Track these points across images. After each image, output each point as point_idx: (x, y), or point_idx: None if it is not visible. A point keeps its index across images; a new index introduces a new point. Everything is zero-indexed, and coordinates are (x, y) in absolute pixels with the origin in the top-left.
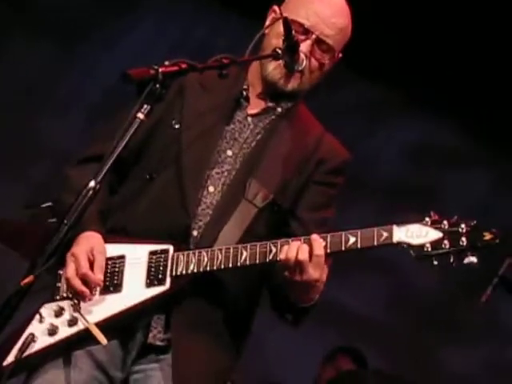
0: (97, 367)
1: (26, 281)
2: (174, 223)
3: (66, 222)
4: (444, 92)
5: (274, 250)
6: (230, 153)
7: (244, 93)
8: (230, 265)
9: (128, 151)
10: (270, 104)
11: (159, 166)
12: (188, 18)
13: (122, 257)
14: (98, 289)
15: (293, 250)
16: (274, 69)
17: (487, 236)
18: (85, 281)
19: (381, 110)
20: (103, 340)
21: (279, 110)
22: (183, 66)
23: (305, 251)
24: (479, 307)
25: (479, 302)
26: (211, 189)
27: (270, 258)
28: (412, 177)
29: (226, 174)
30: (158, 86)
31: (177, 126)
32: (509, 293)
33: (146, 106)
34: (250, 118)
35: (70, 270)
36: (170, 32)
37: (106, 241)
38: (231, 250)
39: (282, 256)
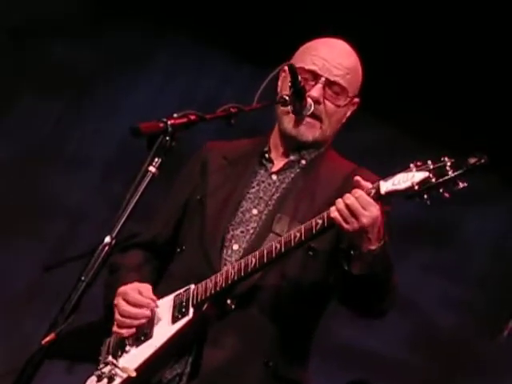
0: None
1: (48, 339)
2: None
3: (83, 278)
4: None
5: (319, 221)
6: (255, 211)
7: (266, 155)
8: (242, 274)
9: (165, 241)
10: (293, 157)
11: (187, 237)
12: (196, 71)
13: (152, 310)
14: (133, 344)
15: (339, 202)
16: (289, 122)
17: (472, 160)
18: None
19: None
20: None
21: (303, 162)
22: (192, 117)
23: (348, 196)
24: (501, 341)
25: (501, 337)
26: (235, 247)
27: (317, 229)
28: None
29: (251, 231)
30: (167, 138)
31: (203, 200)
32: None
33: (156, 159)
34: (274, 176)
35: (120, 305)
36: (179, 85)
37: None
38: (242, 261)
39: (332, 214)
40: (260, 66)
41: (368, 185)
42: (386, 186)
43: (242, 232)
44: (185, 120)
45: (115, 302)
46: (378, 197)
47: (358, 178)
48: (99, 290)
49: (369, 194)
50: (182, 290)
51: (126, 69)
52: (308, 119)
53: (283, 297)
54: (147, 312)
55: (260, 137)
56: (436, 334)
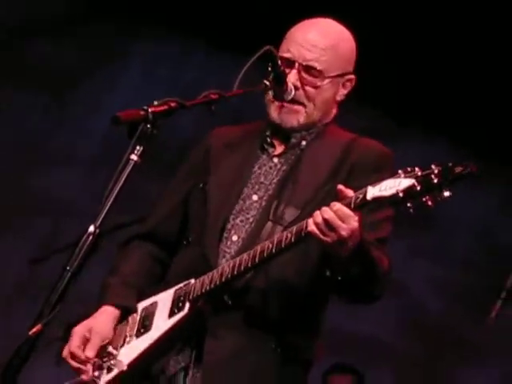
0: None
1: (34, 330)
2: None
3: (68, 268)
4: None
5: (288, 235)
6: (255, 197)
7: (268, 139)
8: (236, 272)
9: (171, 229)
10: (294, 140)
11: (192, 229)
12: (176, 62)
13: (155, 303)
14: (134, 335)
15: (317, 215)
16: (274, 110)
17: (458, 169)
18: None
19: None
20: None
21: (304, 143)
22: (172, 104)
23: (326, 210)
24: (490, 323)
25: (489, 318)
26: (235, 238)
27: (302, 235)
28: None
29: (251, 219)
30: (148, 126)
31: (205, 187)
32: None
33: (138, 148)
34: (275, 159)
35: (66, 348)
36: (161, 78)
37: (142, 298)
38: (237, 259)
39: (309, 228)
40: (243, 53)
41: (350, 193)
42: (372, 193)
43: (241, 221)
44: (165, 107)
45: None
46: (364, 202)
47: (340, 186)
48: (86, 281)
49: (357, 200)
50: (182, 284)
51: (107, 65)
52: (290, 105)
53: (281, 290)
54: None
55: (262, 121)
56: (423, 317)
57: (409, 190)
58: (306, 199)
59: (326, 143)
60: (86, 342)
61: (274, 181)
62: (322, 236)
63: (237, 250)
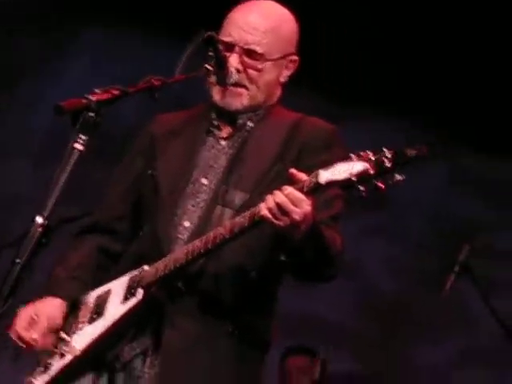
0: None
1: None
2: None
3: (18, 261)
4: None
5: (241, 220)
6: (204, 181)
7: (214, 122)
8: (190, 257)
9: (118, 219)
10: (240, 121)
11: (145, 217)
12: (122, 53)
13: (108, 290)
14: (86, 322)
15: (269, 200)
16: (216, 93)
17: (410, 152)
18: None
19: None
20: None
21: (250, 124)
22: (115, 92)
23: (278, 193)
24: (444, 297)
25: (444, 292)
26: (187, 224)
27: (247, 225)
28: None
29: (201, 204)
30: (91, 114)
31: (154, 174)
32: (472, 280)
33: (83, 137)
34: (223, 142)
35: (13, 330)
36: (107, 70)
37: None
38: (190, 246)
39: (262, 212)
40: (179, 37)
41: (303, 176)
42: (325, 176)
43: (192, 206)
44: (108, 95)
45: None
46: (317, 186)
47: (292, 170)
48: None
49: (310, 183)
50: (136, 271)
51: (52, 58)
52: (233, 88)
53: (234, 274)
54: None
55: (204, 104)
56: (378, 297)
57: (362, 174)
58: (254, 182)
59: (272, 124)
60: (32, 324)
61: (223, 164)
62: (274, 220)
63: (189, 236)
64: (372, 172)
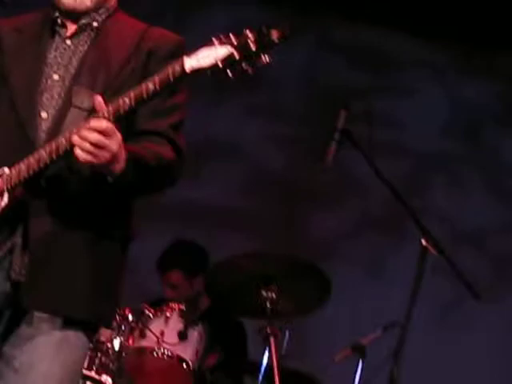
0: None
1: None
2: (16, 152)
3: None
4: None
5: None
6: (56, 77)
7: (58, 20)
8: (54, 156)
9: None
10: (84, 21)
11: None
12: None
13: None
14: None
15: (81, 142)
16: None
17: (274, 33)
18: None
19: None
20: None
21: (95, 24)
22: None
23: (86, 135)
24: (328, 166)
25: (326, 161)
26: (44, 114)
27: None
28: None
29: (56, 97)
30: None
31: (2, 74)
32: (353, 144)
33: None
34: (68, 41)
35: None
36: None
37: None
38: (53, 143)
39: (80, 158)
40: None
41: (103, 105)
42: (190, 64)
43: (47, 99)
44: None
45: None
46: (182, 75)
47: (97, 99)
48: None
49: (174, 73)
50: None
51: None
52: None
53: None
54: None
55: (47, 8)
56: (267, 175)
57: (228, 59)
58: (104, 83)
59: (118, 27)
60: None
61: (73, 63)
62: (95, 160)
63: (48, 127)
64: (238, 57)
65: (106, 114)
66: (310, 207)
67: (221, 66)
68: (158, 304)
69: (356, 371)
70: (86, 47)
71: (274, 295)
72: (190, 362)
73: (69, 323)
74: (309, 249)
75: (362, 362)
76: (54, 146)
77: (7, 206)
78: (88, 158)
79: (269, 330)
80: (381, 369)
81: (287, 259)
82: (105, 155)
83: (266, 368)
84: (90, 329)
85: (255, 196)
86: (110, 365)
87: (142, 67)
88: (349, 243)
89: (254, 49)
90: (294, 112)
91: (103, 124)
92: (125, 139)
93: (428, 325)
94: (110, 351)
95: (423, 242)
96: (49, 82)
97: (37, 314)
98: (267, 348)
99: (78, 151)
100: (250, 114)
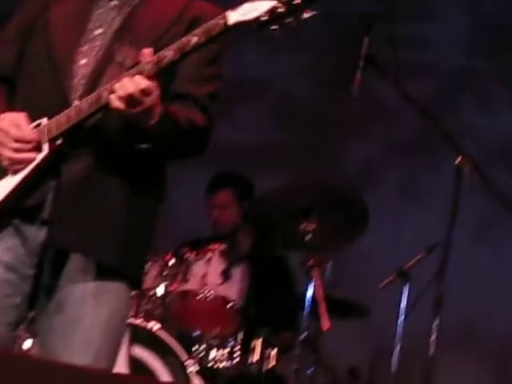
0: (8, 270)
1: None
2: (53, 101)
3: None
4: None
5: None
6: (100, 31)
7: None
8: (93, 109)
9: (8, 67)
10: None
11: (35, 63)
12: None
13: None
14: None
15: (119, 91)
16: None
17: None
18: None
19: None
20: None
21: None
22: None
23: (125, 85)
24: (354, 94)
25: (352, 88)
26: (83, 61)
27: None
28: None
29: (97, 48)
30: None
31: (44, 24)
32: (379, 69)
33: None
34: (113, 2)
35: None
36: None
37: None
38: (93, 95)
39: (114, 104)
40: None
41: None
42: (233, 17)
43: (89, 49)
44: None
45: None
46: (225, 28)
47: (145, 50)
48: None
49: (218, 27)
50: (34, 124)
51: None
52: None
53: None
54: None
55: None
56: (296, 108)
57: (273, 11)
58: (150, 43)
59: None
60: (19, 127)
61: (117, 21)
62: (129, 109)
63: (86, 75)
64: (283, 10)
65: (148, 67)
66: (340, 136)
67: (266, 18)
68: (198, 244)
69: (402, 295)
70: (130, 9)
71: (313, 226)
72: (234, 302)
73: (104, 273)
74: (344, 177)
75: (408, 286)
76: (94, 97)
77: (47, 156)
78: (120, 106)
79: (311, 262)
80: (426, 291)
81: (324, 189)
82: (137, 108)
83: (311, 300)
84: (126, 280)
85: (286, 129)
86: (156, 311)
87: (185, 32)
88: (382, 168)
89: (298, 2)
90: (319, 43)
91: (144, 82)
92: (162, 99)
93: (469, 242)
94: (155, 297)
95: (458, 160)
96: (92, 35)
97: (71, 263)
98: (311, 280)
99: (112, 96)
100: (277, 50)
